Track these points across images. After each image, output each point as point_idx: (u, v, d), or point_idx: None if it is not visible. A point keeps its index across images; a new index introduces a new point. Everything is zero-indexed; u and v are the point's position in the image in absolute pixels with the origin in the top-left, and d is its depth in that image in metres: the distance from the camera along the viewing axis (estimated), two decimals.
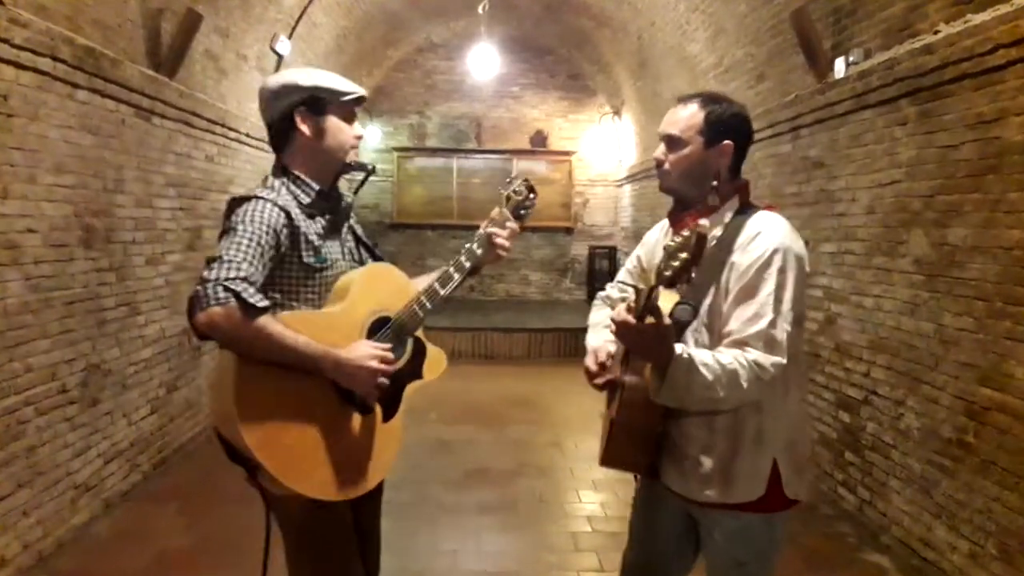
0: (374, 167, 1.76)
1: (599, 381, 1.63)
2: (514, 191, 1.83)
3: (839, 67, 3.60)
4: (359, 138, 1.66)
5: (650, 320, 1.27)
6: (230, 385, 1.37)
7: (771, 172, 4.55)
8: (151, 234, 3.84)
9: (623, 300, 1.76)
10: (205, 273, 1.36)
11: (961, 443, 2.69)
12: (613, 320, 1.31)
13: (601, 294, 1.94)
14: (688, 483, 1.53)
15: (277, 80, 1.60)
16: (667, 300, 1.36)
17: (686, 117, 1.53)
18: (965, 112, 2.70)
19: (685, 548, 1.69)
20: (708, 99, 1.54)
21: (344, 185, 1.78)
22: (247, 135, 5.12)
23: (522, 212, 1.84)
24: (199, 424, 4.47)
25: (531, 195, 1.85)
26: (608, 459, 1.60)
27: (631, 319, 1.28)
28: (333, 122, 1.59)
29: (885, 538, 3.15)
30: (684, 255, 1.14)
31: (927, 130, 2.94)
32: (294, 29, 5.63)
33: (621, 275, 1.91)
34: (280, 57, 5.47)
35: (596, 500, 3.64)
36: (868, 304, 3.38)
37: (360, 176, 1.74)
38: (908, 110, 3.07)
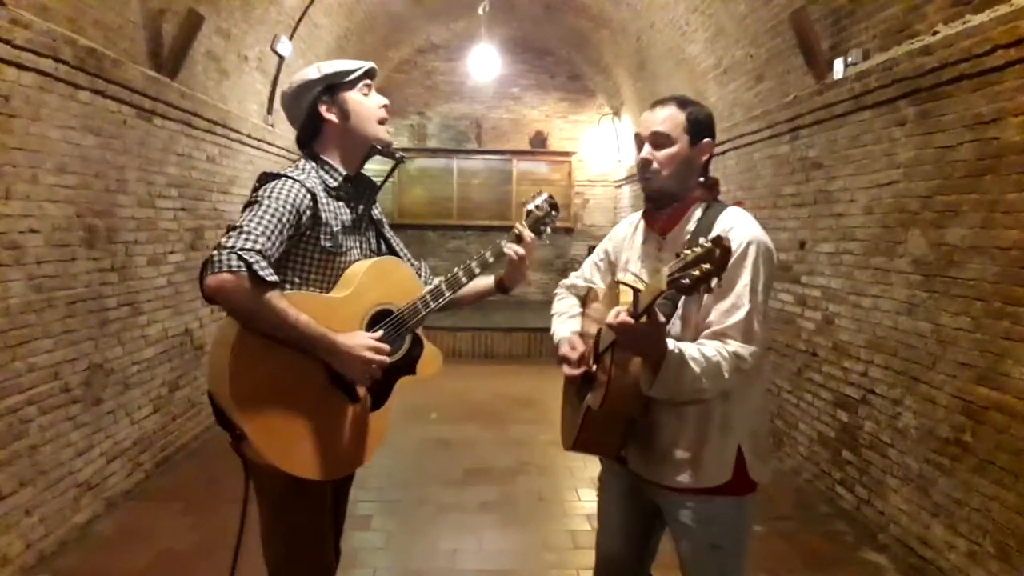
0: (403, 157, 1.80)
1: (578, 372, 1.66)
2: (536, 206, 1.87)
3: (838, 68, 3.61)
4: (385, 105, 1.70)
5: (644, 320, 1.30)
6: (227, 353, 1.41)
7: (770, 172, 4.56)
8: (153, 234, 3.86)
9: (590, 290, 1.82)
10: (223, 240, 1.40)
11: (959, 442, 2.70)
12: (610, 324, 1.35)
13: (565, 283, 1.97)
14: (658, 469, 1.58)
15: (291, 84, 1.67)
16: (629, 296, 1.39)
17: (669, 116, 1.58)
18: (963, 113, 2.71)
19: (652, 532, 1.76)
20: (682, 101, 1.61)
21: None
22: (248, 136, 5.13)
23: (541, 228, 1.88)
24: (201, 423, 4.48)
25: (553, 212, 1.89)
26: (580, 444, 1.66)
27: (630, 320, 1.31)
28: (354, 100, 1.65)
29: (883, 537, 3.17)
30: (707, 266, 1.13)
31: (925, 131, 2.95)
32: (295, 30, 5.64)
33: (587, 266, 1.93)
34: (281, 58, 5.48)
35: (595, 499, 3.64)
36: (866, 304, 3.39)
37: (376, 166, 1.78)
38: (906, 111, 3.08)
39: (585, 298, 1.88)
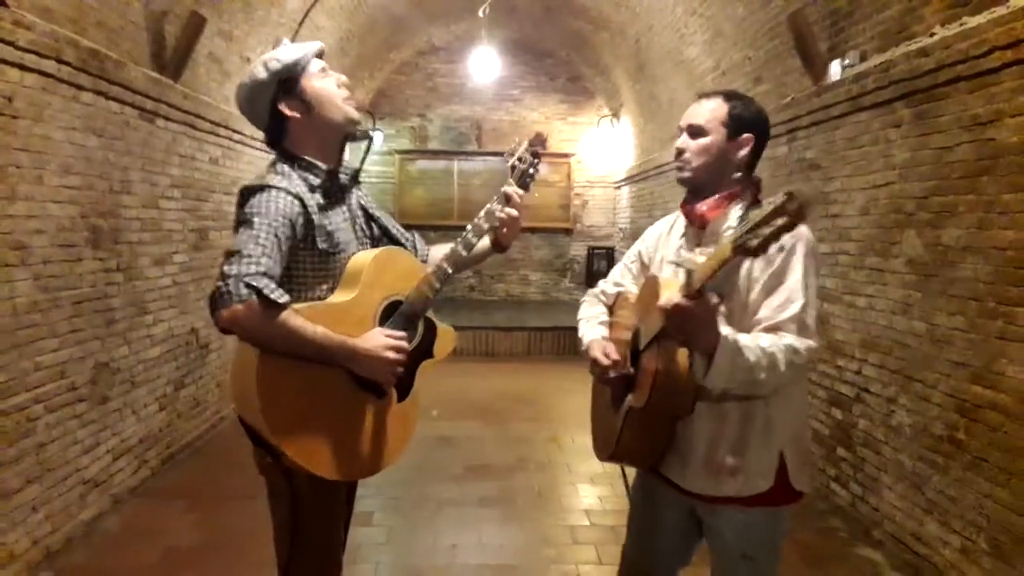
0: (371, 133, 1.72)
1: (614, 374, 1.60)
2: (519, 159, 1.84)
3: (835, 70, 3.64)
4: (343, 83, 1.62)
5: (698, 302, 1.26)
6: (252, 376, 1.40)
7: (767, 174, 4.59)
8: (157, 235, 3.88)
9: (619, 296, 1.77)
10: (226, 268, 1.37)
11: (952, 440, 2.73)
12: (663, 306, 1.30)
13: (593, 291, 1.92)
14: (695, 478, 1.54)
15: (242, 86, 1.58)
16: (670, 289, 1.36)
17: (711, 108, 1.57)
18: (960, 114, 2.73)
19: (685, 543, 1.71)
20: (732, 94, 1.59)
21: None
22: (251, 137, 5.15)
23: (527, 180, 1.84)
24: (207, 421, 4.52)
25: (536, 160, 1.86)
26: (620, 451, 1.59)
27: (684, 302, 1.27)
28: (312, 88, 1.57)
29: (877, 533, 3.20)
30: (782, 220, 1.07)
31: (922, 132, 2.98)
32: (297, 32, 5.67)
33: (618, 271, 1.88)
34: None
35: (593, 494, 3.68)
36: (861, 304, 3.42)
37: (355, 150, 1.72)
38: (903, 112, 3.11)
39: (613, 305, 1.82)
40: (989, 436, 2.54)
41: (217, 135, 4.66)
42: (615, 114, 9.18)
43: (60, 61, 2.91)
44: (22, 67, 2.71)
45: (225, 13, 4.44)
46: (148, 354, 3.77)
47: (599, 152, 9.55)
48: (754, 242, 1.10)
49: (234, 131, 4.87)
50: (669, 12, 5.73)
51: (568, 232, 9.76)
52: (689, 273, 1.27)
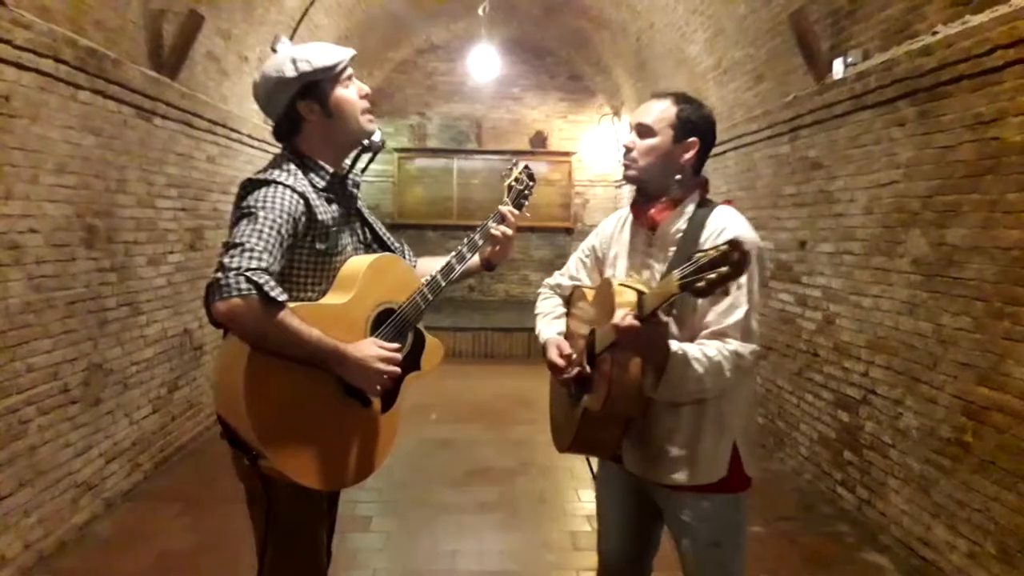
0: (383, 142, 1.72)
1: (568, 376, 1.66)
2: (515, 179, 1.88)
3: (837, 68, 3.61)
4: (366, 96, 1.61)
5: (650, 323, 1.31)
6: (240, 373, 1.36)
7: (770, 172, 4.56)
8: (152, 234, 3.85)
9: (576, 288, 1.86)
10: (226, 260, 1.33)
11: (960, 443, 2.70)
12: (617, 325, 1.35)
13: (549, 282, 1.99)
14: (654, 468, 1.60)
15: (265, 77, 1.55)
16: (627, 296, 1.41)
17: (660, 110, 1.61)
18: (963, 113, 2.71)
19: (652, 529, 1.77)
20: (681, 98, 1.63)
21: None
22: (248, 136, 5.13)
23: (522, 201, 1.88)
24: (200, 424, 4.48)
25: (531, 183, 1.92)
26: (576, 446, 1.67)
27: (637, 323, 1.32)
28: (337, 96, 1.55)
29: (884, 537, 3.16)
30: (725, 269, 1.12)
31: (925, 131, 2.95)
32: (295, 31, 5.64)
33: (572, 264, 1.94)
34: None
35: (595, 499, 3.64)
36: (866, 304, 3.39)
37: (362, 153, 1.70)
38: (906, 111, 3.08)
39: (570, 297, 1.88)
40: (996, 439, 2.51)
41: (214, 134, 4.63)
42: (616, 112, 9.15)
43: (58, 60, 2.89)
44: (19, 66, 2.69)
45: (224, 11, 4.41)
46: (141, 355, 3.74)
47: (600, 151, 9.53)
48: (700, 284, 1.15)
49: (232, 130, 4.84)
50: (670, 10, 5.70)
51: (569, 231, 9.73)
52: (640, 295, 1.34)
